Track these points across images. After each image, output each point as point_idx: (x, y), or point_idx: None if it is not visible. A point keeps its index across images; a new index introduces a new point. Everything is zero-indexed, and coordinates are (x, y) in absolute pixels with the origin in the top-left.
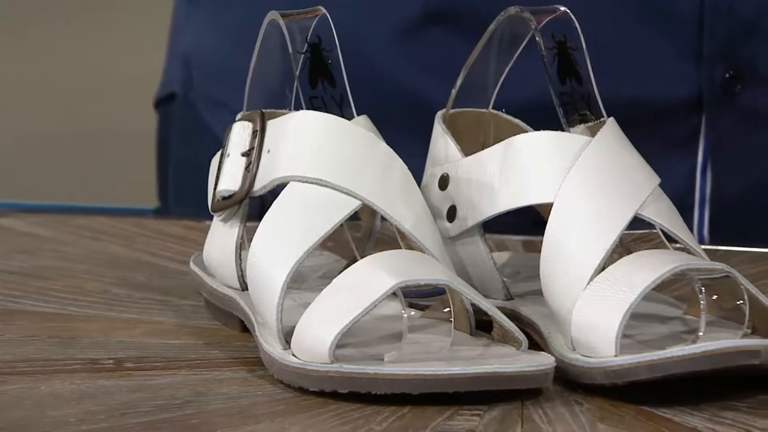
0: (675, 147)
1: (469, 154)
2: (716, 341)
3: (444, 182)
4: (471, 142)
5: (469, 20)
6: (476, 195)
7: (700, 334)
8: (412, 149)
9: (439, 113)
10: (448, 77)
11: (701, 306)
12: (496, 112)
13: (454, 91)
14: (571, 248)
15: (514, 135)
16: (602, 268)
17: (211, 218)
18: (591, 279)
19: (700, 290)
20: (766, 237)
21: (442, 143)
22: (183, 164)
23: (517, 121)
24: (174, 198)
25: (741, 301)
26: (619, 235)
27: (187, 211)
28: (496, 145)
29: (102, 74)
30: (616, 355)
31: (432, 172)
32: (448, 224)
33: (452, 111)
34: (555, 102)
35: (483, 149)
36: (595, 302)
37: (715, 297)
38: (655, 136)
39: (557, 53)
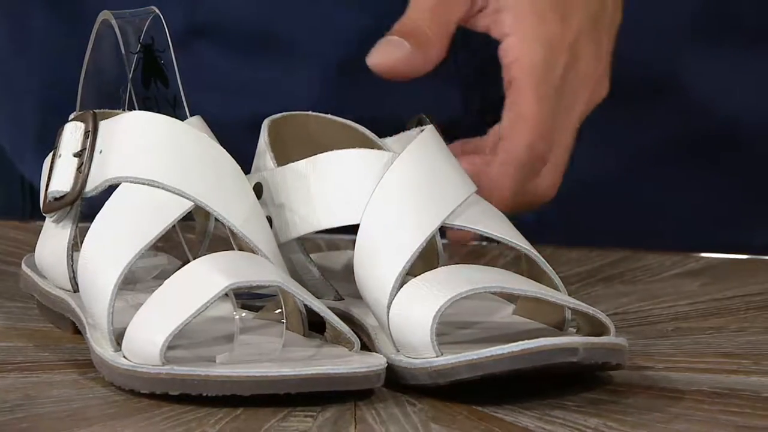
0: None
1: (287, 162)
2: (535, 339)
3: (258, 191)
4: (295, 148)
5: (234, 34)
6: (288, 210)
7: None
8: None
9: (268, 118)
10: (217, 90)
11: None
12: (321, 115)
13: None
14: (375, 266)
15: (343, 138)
16: (402, 283)
17: (42, 219)
18: (391, 294)
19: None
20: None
21: (261, 150)
22: None
23: (348, 122)
24: None
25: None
26: (418, 248)
27: None
28: (305, 161)
29: None
30: (437, 356)
31: (248, 179)
32: None
33: (278, 116)
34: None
35: (306, 154)
36: (409, 305)
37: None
38: None
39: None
